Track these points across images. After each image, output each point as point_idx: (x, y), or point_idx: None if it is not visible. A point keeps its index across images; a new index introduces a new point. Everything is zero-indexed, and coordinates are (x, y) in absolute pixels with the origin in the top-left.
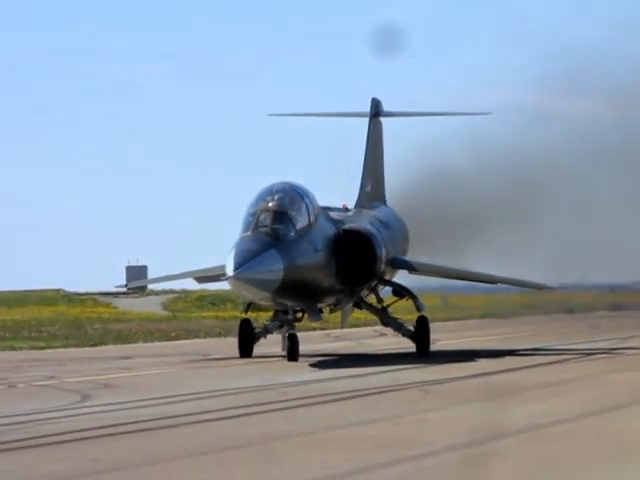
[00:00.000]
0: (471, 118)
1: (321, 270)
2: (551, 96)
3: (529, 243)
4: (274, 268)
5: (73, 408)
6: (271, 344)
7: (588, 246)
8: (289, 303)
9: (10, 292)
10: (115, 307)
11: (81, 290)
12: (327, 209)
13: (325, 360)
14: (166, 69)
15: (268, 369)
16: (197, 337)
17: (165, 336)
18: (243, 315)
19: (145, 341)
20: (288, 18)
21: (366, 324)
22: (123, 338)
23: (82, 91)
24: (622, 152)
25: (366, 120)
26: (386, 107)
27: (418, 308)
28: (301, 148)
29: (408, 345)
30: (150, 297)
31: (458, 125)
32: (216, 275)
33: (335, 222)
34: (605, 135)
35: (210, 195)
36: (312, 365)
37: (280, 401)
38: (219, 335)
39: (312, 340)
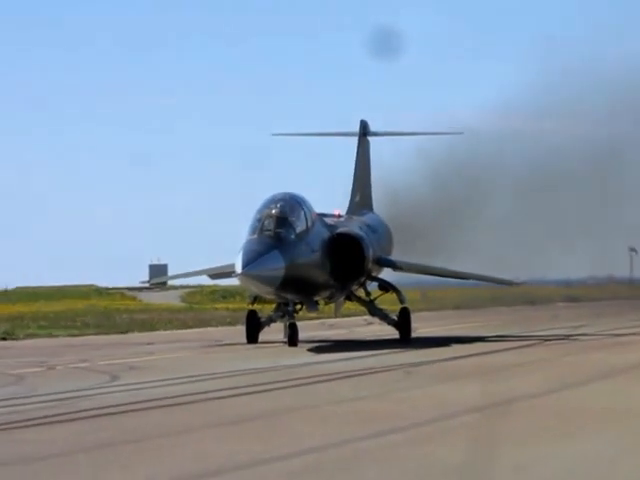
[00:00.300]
0: (446, 137)
1: (317, 268)
2: (515, 119)
3: (496, 244)
4: (277, 266)
5: (104, 387)
6: (274, 332)
7: (548, 247)
8: (290, 296)
9: (49, 287)
10: (140, 300)
11: (110, 285)
12: (322, 215)
13: (321, 345)
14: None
15: (272, 353)
16: (210, 326)
17: (183, 325)
18: (250, 307)
19: (165, 329)
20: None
21: (356, 314)
22: (147, 326)
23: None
24: (576, 166)
25: (355, 139)
26: (372, 128)
27: (401, 301)
28: (300, 163)
29: (392, 332)
30: (170, 291)
31: (435, 143)
32: (227, 272)
33: (329, 227)
34: (562, 151)
35: (221, 204)
36: (310, 350)
37: (283, 380)
38: (229, 324)
39: (309, 328)
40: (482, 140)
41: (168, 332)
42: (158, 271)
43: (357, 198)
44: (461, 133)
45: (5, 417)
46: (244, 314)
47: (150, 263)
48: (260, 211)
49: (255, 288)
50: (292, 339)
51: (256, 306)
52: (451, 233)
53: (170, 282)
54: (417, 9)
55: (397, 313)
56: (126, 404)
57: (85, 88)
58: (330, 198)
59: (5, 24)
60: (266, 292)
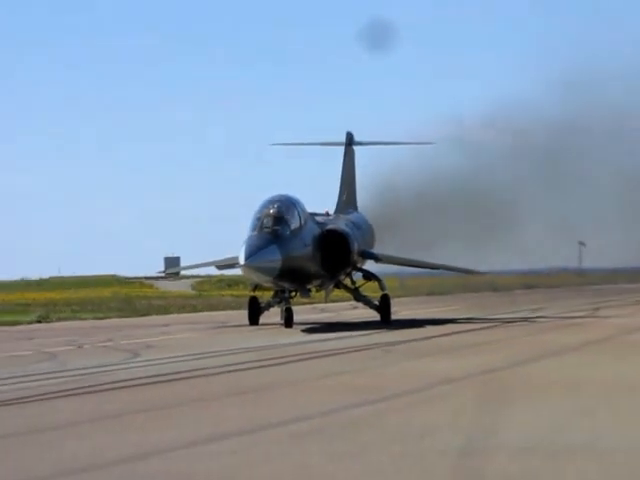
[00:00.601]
0: (420, 146)
1: (309, 260)
2: (482, 130)
3: (464, 240)
4: (274, 259)
5: (127, 363)
6: (273, 315)
7: (508, 241)
8: (286, 285)
9: (77, 277)
10: (156, 288)
11: (131, 275)
12: (313, 214)
13: (313, 327)
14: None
15: (271, 334)
16: (217, 310)
17: (193, 309)
18: (251, 293)
19: (179, 313)
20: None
21: (343, 300)
22: (162, 311)
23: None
24: (533, 172)
25: (342, 148)
26: (357, 138)
27: (382, 288)
28: (294, 168)
29: (374, 315)
30: (182, 280)
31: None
32: (231, 263)
33: (320, 224)
34: (522, 158)
35: (226, 205)
36: (303, 330)
37: (281, 357)
38: (233, 308)
39: (303, 312)
40: (457, 149)
41: (181, 315)
42: (172, 263)
43: (344, 199)
44: (433, 143)
45: (39, 389)
46: (246, 300)
47: (165, 256)
48: (260, 211)
49: (256, 277)
50: (288, 321)
51: (257, 293)
52: (426, 230)
53: (182, 272)
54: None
55: (379, 299)
56: (145, 377)
57: (107, 98)
58: (320, 199)
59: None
60: (265, 281)
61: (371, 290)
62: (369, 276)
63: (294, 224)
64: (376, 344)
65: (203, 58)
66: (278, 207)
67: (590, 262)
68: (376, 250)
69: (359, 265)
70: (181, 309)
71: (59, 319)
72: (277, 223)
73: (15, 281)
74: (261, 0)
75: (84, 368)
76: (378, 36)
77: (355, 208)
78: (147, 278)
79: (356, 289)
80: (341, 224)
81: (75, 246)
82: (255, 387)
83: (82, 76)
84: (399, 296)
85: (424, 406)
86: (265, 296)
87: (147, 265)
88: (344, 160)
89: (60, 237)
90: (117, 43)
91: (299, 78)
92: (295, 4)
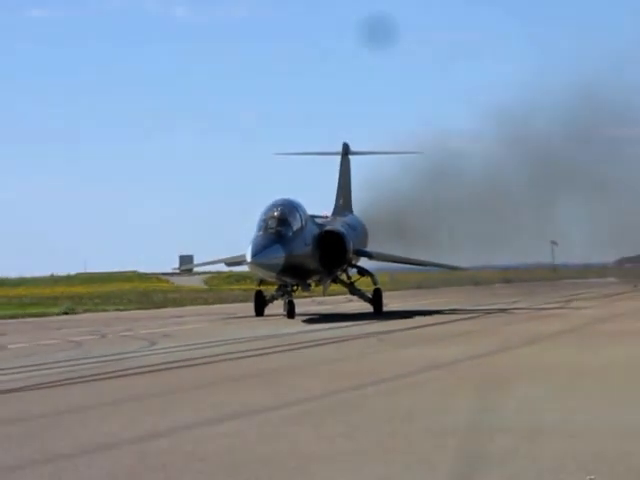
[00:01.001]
0: (409, 155)
1: (309, 258)
2: (465, 140)
3: (449, 239)
4: (278, 256)
5: (145, 350)
6: (276, 307)
7: (490, 240)
8: (288, 280)
9: (101, 273)
10: (172, 283)
11: (149, 271)
12: (313, 216)
13: (313, 318)
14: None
15: (275, 324)
16: (226, 303)
17: (205, 302)
18: (257, 287)
19: (192, 305)
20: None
21: (339, 293)
22: (177, 303)
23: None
24: (515, 178)
25: (339, 157)
26: (353, 147)
27: (374, 282)
28: (297, 175)
29: (368, 307)
30: (195, 276)
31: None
32: (239, 261)
33: (319, 225)
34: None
35: (235, 208)
36: (304, 321)
37: (284, 345)
38: (241, 301)
39: (303, 304)
40: (442, 157)
41: (194, 307)
42: (186, 260)
43: (340, 203)
44: (421, 153)
45: (66, 374)
46: (253, 293)
47: (180, 254)
48: (265, 213)
49: (261, 273)
50: (290, 313)
51: (262, 287)
52: (416, 231)
53: (195, 269)
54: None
55: (371, 292)
56: (161, 364)
57: (127, 103)
58: (319, 203)
59: None
60: (270, 276)
61: (365, 285)
62: (363, 272)
63: (296, 225)
64: (370, 333)
65: (219, 72)
66: (281, 210)
67: (562, 259)
68: (369, 248)
69: (354, 262)
70: (194, 302)
71: (84, 311)
72: (280, 224)
73: (45, 277)
74: (265, 17)
75: (106, 355)
76: (374, 47)
77: (350, 211)
78: (163, 274)
79: (351, 284)
80: (338, 225)
81: (100, 245)
82: (259, 372)
83: (109, 81)
84: (390, 290)
85: (414, 389)
86: (269, 290)
87: (163, 262)
88: (341, 168)
89: (86, 237)
90: (130, 58)
91: (302, 93)
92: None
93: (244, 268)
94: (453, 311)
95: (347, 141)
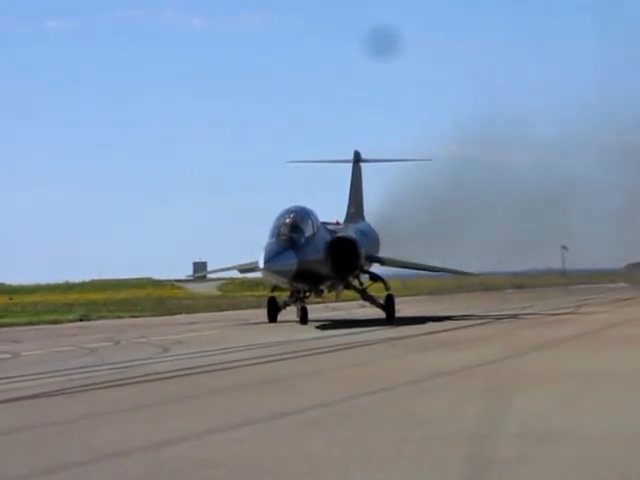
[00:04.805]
0: (418, 162)
1: (322, 264)
2: (475, 148)
3: (460, 247)
4: (290, 262)
5: (158, 357)
6: (289, 313)
7: (499, 246)
8: (300, 286)
9: (116, 279)
10: (186, 289)
11: (163, 278)
12: (325, 223)
13: (325, 324)
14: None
15: (288, 330)
16: (240, 309)
17: (218, 308)
18: (270, 294)
19: (205, 312)
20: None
21: (352, 299)
22: (191, 310)
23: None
24: (530, 187)
25: (350, 165)
26: (364, 155)
27: (386, 288)
28: (309, 182)
29: (380, 313)
30: (209, 282)
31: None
32: (252, 267)
33: (331, 232)
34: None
35: (248, 215)
36: (317, 327)
37: (297, 351)
38: (254, 307)
39: (316, 311)
40: (453, 164)
41: (208, 314)
42: (200, 267)
43: (352, 210)
44: (430, 160)
45: (81, 381)
46: (266, 300)
47: (194, 261)
48: (277, 220)
49: (274, 279)
50: (303, 319)
51: (275, 293)
52: (429, 238)
53: (209, 276)
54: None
55: (384, 298)
56: (174, 370)
57: (136, 109)
58: (331, 210)
59: None
60: (282, 282)
61: (377, 290)
62: (375, 278)
63: (308, 232)
64: (382, 339)
65: (233, 79)
66: (294, 217)
67: (572, 264)
68: (381, 254)
69: (366, 268)
70: (207, 308)
71: (99, 318)
72: (293, 231)
73: (60, 284)
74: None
75: (120, 362)
76: (383, 53)
77: (362, 217)
78: (177, 281)
79: (363, 290)
80: (350, 232)
81: (114, 252)
82: (273, 379)
83: (120, 81)
84: (402, 296)
85: (426, 395)
86: (282, 296)
87: (178, 269)
88: (352, 175)
89: (101, 243)
90: (142, 63)
91: (311, 104)
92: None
93: (257, 274)
94: (465, 317)
95: (359, 149)
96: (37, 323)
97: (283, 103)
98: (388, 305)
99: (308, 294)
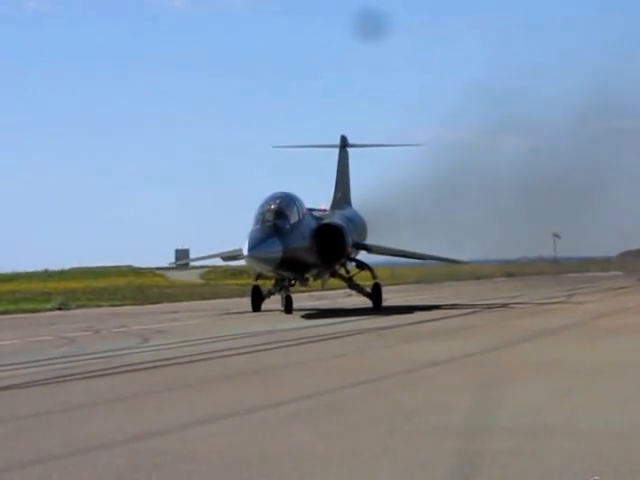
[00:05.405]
0: (409, 148)
1: (307, 251)
2: (466, 133)
3: (449, 234)
4: (275, 250)
5: (139, 347)
6: (274, 302)
7: (489, 233)
8: (285, 274)
9: (95, 267)
10: (167, 278)
11: (144, 266)
12: (311, 210)
13: (311, 313)
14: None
15: (272, 319)
16: (223, 297)
17: (201, 297)
18: (254, 282)
19: (187, 300)
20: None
21: (338, 288)
22: (172, 298)
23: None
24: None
25: (337, 150)
26: (351, 141)
27: (373, 277)
28: (295, 168)
29: (367, 302)
30: (191, 270)
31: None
32: (236, 255)
33: (317, 218)
34: (489, 159)
35: (232, 202)
36: (302, 316)
37: (281, 341)
38: (238, 296)
39: (301, 299)
40: (443, 150)
41: (190, 303)
42: (182, 254)
43: (339, 196)
44: (421, 145)
45: (58, 372)
46: (250, 288)
47: (176, 248)
48: (262, 206)
49: (258, 267)
50: (288, 308)
51: (259, 282)
52: (415, 223)
53: (191, 263)
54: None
55: (371, 287)
56: (155, 361)
57: (120, 101)
58: (317, 196)
59: None
60: (267, 270)
61: (364, 279)
62: (362, 266)
63: (293, 219)
64: (369, 329)
65: (215, 69)
66: (279, 203)
67: (564, 252)
68: (368, 241)
69: (353, 256)
70: (190, 297)
71: (78, 306)
72: (278, 217)
73: (38, 272)
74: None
75: (100, 352)
76: (370, 36)
77: (349, 204)
78: (159, 269)
79: (350, 278)
80: (336, 218)
81: (94, 239)
82: (256, 370)
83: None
84: (389, 284)
85: (413, 387)
86: (267, 285)
87: (159, 256)
88: (339, 161)
89: (80, 231)
90: (125, 47)
91: (298, 87)
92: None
93: (241, 262)
94: (453, 306)
95: (345, 134)
96: (15, 312)
97: (268, 87)
98: (375, 294)
99: (293, 282)
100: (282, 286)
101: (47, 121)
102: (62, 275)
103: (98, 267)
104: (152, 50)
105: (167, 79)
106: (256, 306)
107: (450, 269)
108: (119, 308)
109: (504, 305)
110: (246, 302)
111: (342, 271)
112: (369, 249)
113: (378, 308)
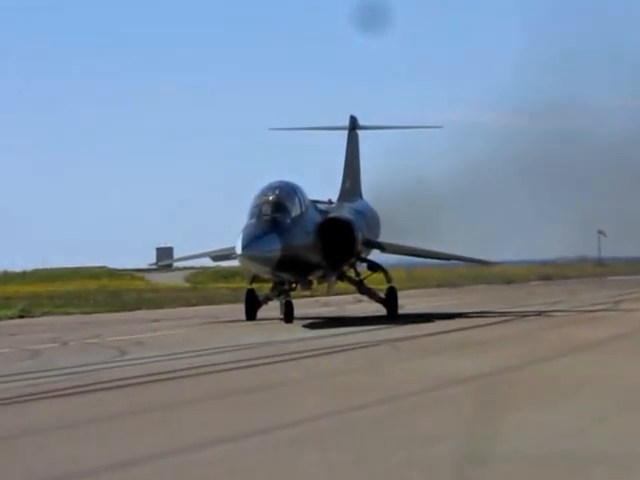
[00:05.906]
0: (426, 130)
1: (311, 250)
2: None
3: (475, 227)
4: (273, 248)
5: (113, 361)
6: (271, 309)
7: (522, 229)
8: (285, 276)
9: (64, 268)
10: (147, 280)
11: (120, 267)
12: (315, 202)
13: (315, 322)
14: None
15: (269, 329)
16: (212, 303)
17: (187, 303)
18: (249, 286)
19: (171, 307)
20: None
21: (347, 292)
22: (153, 305)
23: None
24: (549, 159)
25: (345, 132)
26: (361, 121)
27: (388, 280)
28: (296, 154)
29: (380, 309)
30: (175, 272)
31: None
32: (228, 254)
33: (322, 212)
34: (521, 144)
35: (222, 192)
36: (304, 326)
37: (280, 355)
38: (230, 302)
39: (304, 306)
40: (462, 133)
41: (174, 310)
42: (165, 254)
43: (347, 185)
44: (440, 127)
45: (20, 390)
46: (243, 293)
47: (157, 246)
48: (258, 197)
49: (253, 268)
50: (288, 316)
51: (254, 285)
52: (436, 217)
53: (175, 264)
54: None
55: (385, 291)
56: (132, 377)
57: (97, 90)
58: (323, 186)
59: None
60: (264, 272)
61: (376, 282)
62: (374, 267)
63: (295, 212)
64: (382, 340)
65: (203, 44)
66: (278, 194)
67: (610, 252)
68: (381, 239)
69: (363, 255)
70: (174, 303)
71: (43, 314)
72: (277, 210)
73: None
74: None
75: (68, 367)
76: (376, 18)
77: (359, 195)
78: (137, 270)
79: (360, 281)
80: (344, 212)
81: (62, 236)
82: (250, 388)
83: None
84: (406, 288)
85: (432, 409)
86: (263, 289)
87: (138, 256)
88: (348, 145)
89: (46, 226)
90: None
91: (299, 63)
92: None
93: (234, 263)
94: (481, 314)
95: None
96: None
97: (267, 68)
98: (390, 299)
99: (294, 286)
100: (281, 290)
101: (18, 106)
102: (24, 277)
103: (66, 268)
104: (138, 26)
105: (152, 58)
106: (251, 314)
107: (476, 271)
108: (91, 316)
109: (540, 313)
110: (239, 309)
111: (351, 273)
112: (383, 247)
113: (393, 316)
